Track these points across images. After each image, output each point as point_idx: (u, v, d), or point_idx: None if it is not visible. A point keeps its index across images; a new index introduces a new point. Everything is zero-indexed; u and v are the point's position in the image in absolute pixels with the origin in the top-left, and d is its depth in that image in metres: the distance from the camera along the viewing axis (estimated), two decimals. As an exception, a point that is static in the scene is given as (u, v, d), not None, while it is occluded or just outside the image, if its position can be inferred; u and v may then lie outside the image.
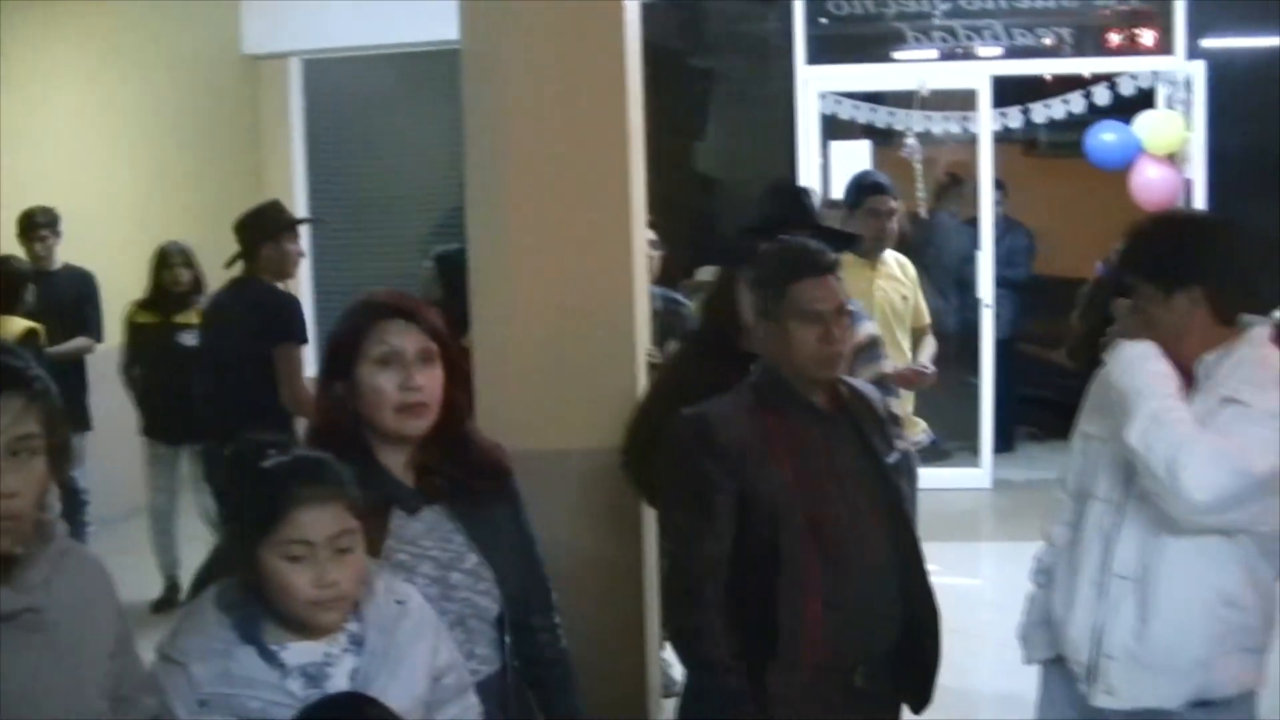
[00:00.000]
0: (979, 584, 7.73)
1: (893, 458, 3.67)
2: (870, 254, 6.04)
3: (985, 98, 9.58)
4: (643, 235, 5.43)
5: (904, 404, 5.95)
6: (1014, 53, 9.79)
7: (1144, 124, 9.26)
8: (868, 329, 4.65)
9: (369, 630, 2.64)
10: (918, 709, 3.67)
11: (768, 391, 3.50)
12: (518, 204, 5.14)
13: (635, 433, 4.56)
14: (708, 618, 3.39)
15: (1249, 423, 3.21)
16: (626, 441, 4.59)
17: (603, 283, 5.12)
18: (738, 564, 3.41)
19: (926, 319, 6.33)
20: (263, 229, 6.35)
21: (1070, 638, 3.49)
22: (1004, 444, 10.15)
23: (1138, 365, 3.29)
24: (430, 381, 2.95)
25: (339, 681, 2.57)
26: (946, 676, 5.85)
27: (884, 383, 4.55)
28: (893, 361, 5.09)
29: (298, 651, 2.58)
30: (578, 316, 5.11)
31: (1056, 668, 3.60)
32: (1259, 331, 3.40)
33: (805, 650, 3.39)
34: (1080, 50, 9.76)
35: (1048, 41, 9.80)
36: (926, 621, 3.60)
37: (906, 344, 6.12)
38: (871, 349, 4.62)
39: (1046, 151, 12.92)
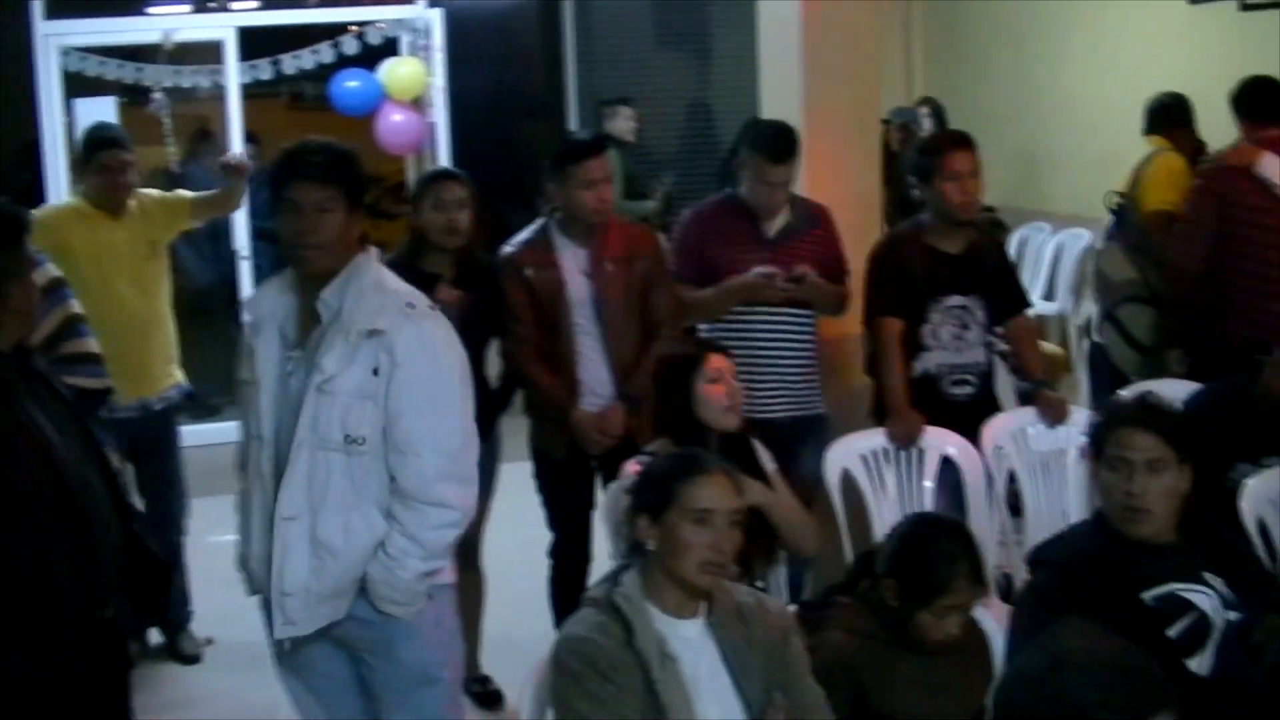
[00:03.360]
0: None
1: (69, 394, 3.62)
2: (112, 208, 5.82)
3: (232, 50, 9.47)
4: None
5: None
6: (266, 4, 9.78)
7: (386, 71, 9.45)
8: (49, 271, 4.41)
9: None
10: (157, 620, 4.14)
11: None
12: None
13: None
14: None
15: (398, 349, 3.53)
16: None
17: None
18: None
19: (187, 197, 6.31)
20: None
21: (255, 573, 3.68)
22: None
23: None
24: None
25: None
26: (224, 629, 5.92)
27: (78, 323, 4.45)
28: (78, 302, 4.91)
29: None
30: None
31: None
32: (365, 258, 3.65)
33: (69, 607, 3.34)
34: (328, 1, 9.87)
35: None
36: (145, 546, 3.66)
37: (157, 287, 5.97)
38: (56, 290, 4.41)
39: (311, 104, 13.01)
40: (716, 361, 4.33)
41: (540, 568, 5.42)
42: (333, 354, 3.51)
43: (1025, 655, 2.41)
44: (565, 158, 5.14)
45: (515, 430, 5.44)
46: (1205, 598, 3.59)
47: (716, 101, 11.37)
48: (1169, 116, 6.96)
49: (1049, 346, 8.15)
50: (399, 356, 3.51)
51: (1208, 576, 3.62)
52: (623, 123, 9.96)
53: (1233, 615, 3.57)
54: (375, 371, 3.51)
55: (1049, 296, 10.10)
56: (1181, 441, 3.65)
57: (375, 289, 3.59)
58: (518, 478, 5.47)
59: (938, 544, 3.52)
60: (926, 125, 10.18)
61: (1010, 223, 9.27)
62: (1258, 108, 6.11)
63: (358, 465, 3.54)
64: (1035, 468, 5.31)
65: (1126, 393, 4.57)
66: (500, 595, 5.59)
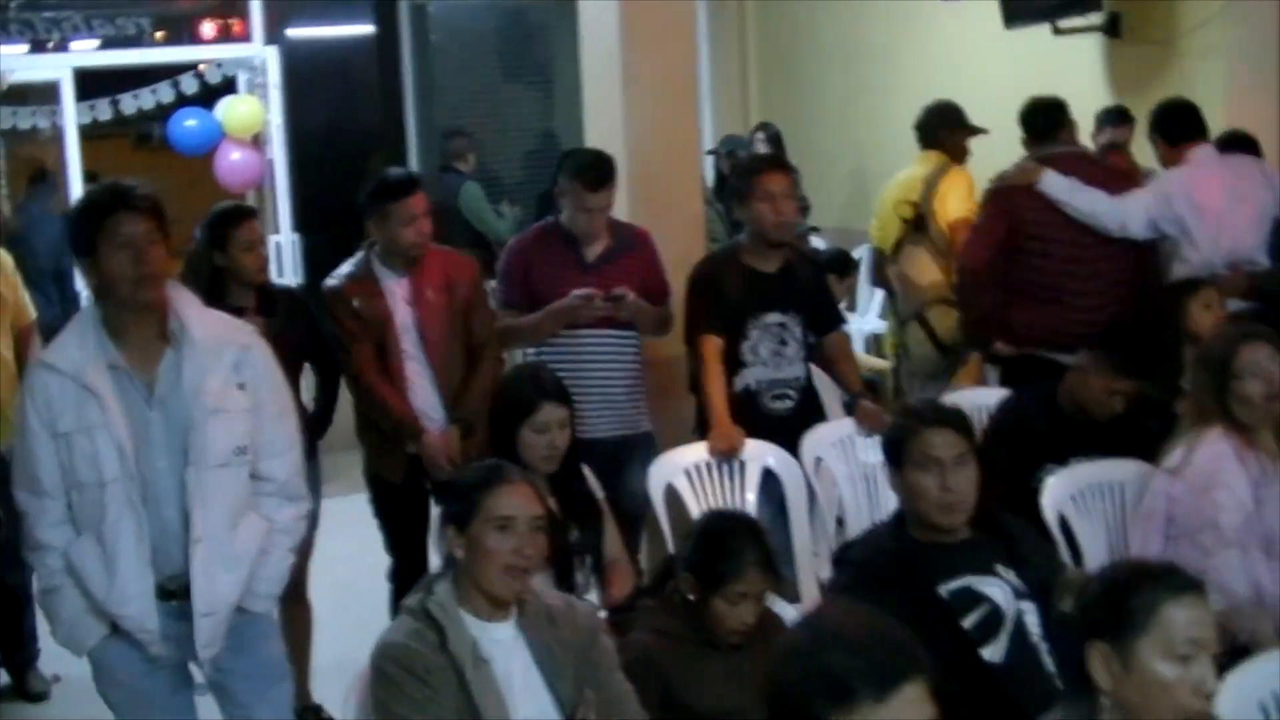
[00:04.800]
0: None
1: None
2: None
3: (68, 90, 9.45)
4: None
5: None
6: (105, 44, 9.75)
7: (224, 109, 9.48)
8: None
9: None
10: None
11: None
12: None
13: None
14: None
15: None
16: None
17: None
18: None
19: (29, 316, 6.13)
20: None
21: (133, 614, 3.70)
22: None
23: None
24: None
25: None
26: (68, 665, 5.92)
27: None
28: None
29: None
30: None
31: (113, 639, 3.79)
32: (175, 285, 3.81)
33: None
34: (170, 40, 9.85)
35: (130, 32, 9.82)
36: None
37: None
38: None
39: (156, 144, 12.90)
40: (547, 414, 4.39)
41: (374, 596, 5.49)
42: (210, 374, 3.69)
43: (790, 634, 2.56)
44: (384, 196, 5.23)
45: (351, 464, 5.51)
46: (997, 589, 3.78)
47: (557, 131, 11.52)
48: (935, 137, 7.19)
49: (879, 362, 8.37)
50: (261, 367, 3.81)
51: (999, 568, 3.82)
52: (473, 157, 10.10)
53: (1024, 604, 3.77)
54: (241, 386, 3.74)
55: (884, 315, 10.31)
56: (972, 435, 3.87)
57: (207, 310, 3.85)
58: (350, 510, 5.54)
59: (728, 535, 3.76)
60: (761, 150, 10.36)
61: (844, 244, 9.49)
62: (1040, 126, 6.37)
63: (240, 475, 3.77)
64: (856, 478, 5.48)
65: (917, 400, 4.74)
66: (338, 623, 5.64)
